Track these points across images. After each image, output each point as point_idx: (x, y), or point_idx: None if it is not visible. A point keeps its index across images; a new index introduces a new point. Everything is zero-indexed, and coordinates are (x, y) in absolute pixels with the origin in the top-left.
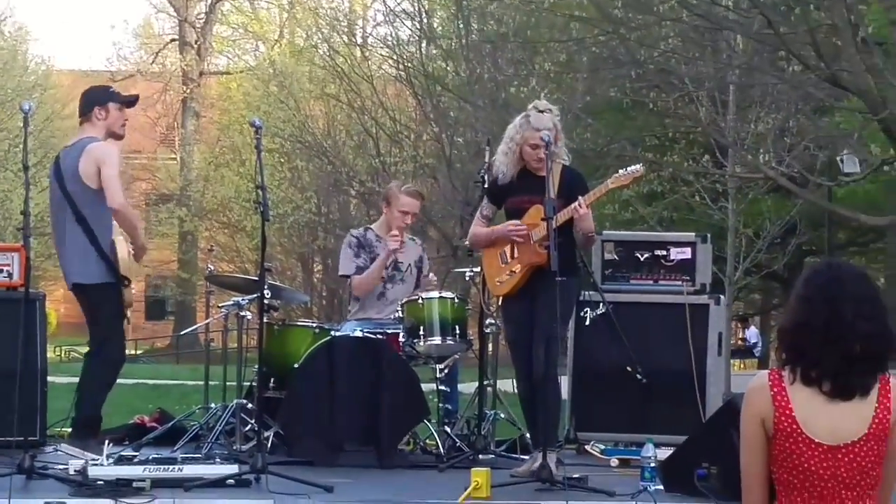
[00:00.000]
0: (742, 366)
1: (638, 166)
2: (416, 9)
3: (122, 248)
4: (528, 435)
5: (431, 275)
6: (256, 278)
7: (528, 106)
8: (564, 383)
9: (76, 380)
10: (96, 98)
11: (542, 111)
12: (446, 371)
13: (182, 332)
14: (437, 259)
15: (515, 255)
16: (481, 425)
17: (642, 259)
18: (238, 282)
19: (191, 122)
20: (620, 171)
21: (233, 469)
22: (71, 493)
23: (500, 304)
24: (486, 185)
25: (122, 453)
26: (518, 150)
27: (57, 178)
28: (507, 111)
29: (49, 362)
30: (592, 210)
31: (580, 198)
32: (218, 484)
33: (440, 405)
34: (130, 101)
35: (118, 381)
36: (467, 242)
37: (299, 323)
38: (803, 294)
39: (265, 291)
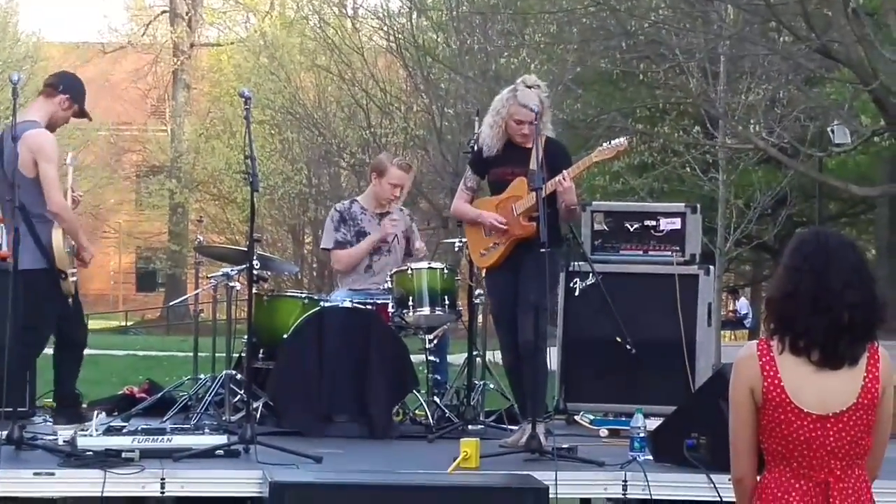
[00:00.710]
0: (733, 337)
1: (622, 140)
2: None
3: (58, 240)
4: (516, 406)
5: (419, 243)
6: (246, 249)
7: (517, 79)
8: (554, 354)
9: None
10: (74, 90)
11: (529, 86)
12: (436, 341)
13: (171, 304)
14: (426, 230)
15: None
16: (470, 396)
17: (632, 229)
18: (227, 252)
19: (181, 93)
20: (605, 144)
21: (222, 440)
22: (60, 464)
23: (483, 275)
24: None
25: (112, 424)
26: (503, 124)
27: None
28: (497, 82)
29: None
30: (581, 181)
31: (564, 171)
32: (207, 454)
33: (429, 376)
34: (85, 117)
35: (109, 351)
36: (450, 213)
37: (288, 293)
38: (791, 263)
39: (254, 262)
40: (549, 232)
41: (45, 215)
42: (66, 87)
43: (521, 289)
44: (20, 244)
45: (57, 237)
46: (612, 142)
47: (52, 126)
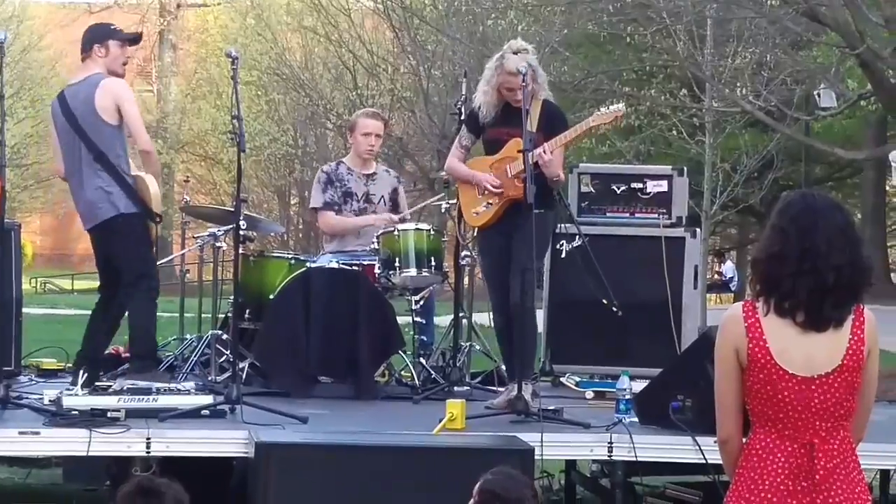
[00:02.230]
0: (718, 300)
1: (620, 105)
2: None
3: (154, 184)
4: (503, 367)
5: (405, 209)
6: (232, 209)
7: (505, 41)
8: (540, 316)
9: (52, 311)
10: (96, 36)
11: (516, 52)
12: (422, 303)
13: (157, 264)
14: (413, 192)
15: None
16: (456, 357)
17: (619, 192)
18: (213, 212)
19: (168, 54)
20: (602, 109)
21: (208, 400)
22: (46, 423)
23: (475, 235)
24: (463, 117)
25: (97, 383)
26: (495, 93)
27: (67, 116)
28: (484, 44)
29: (24, 294)
30: (571, 145)
31: (545, 144)
32: (192, 414)
33: (415, 337)
34: (132, 39)
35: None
36: (444, 172)
37: (275, 254)
38: (777, 224)
39: (241, 222)
40: (542, 193)
41: (126, 162)
42: (90, 40)
43: (515, 251)
44: (106, 197)
45: (153, 181)
46: (610, 107)
47: (113, 76)
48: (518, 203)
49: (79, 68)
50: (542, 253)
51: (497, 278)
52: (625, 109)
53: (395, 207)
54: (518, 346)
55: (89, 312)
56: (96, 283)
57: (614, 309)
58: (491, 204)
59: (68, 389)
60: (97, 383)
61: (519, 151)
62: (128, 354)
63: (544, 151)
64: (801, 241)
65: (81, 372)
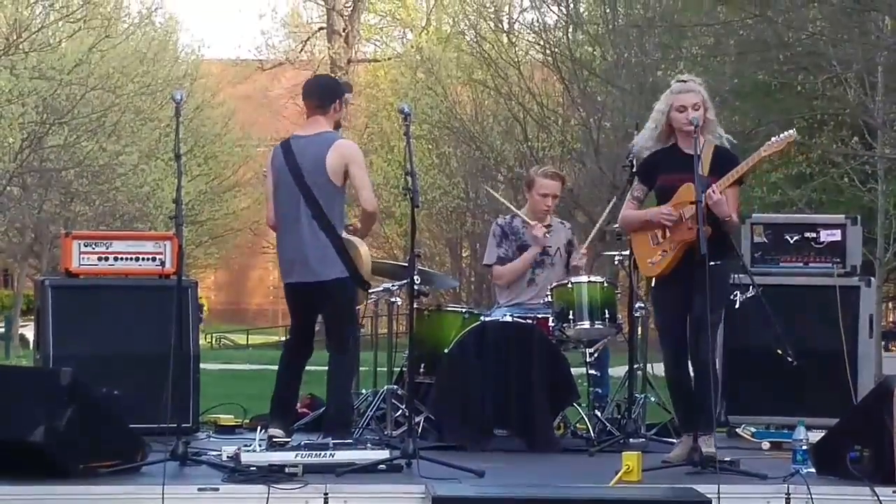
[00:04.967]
0: (892, 348)
1: (791, 132)
2: None
3: (366, 250)
4: (676, 418)
5: (581, 253)
6: (406, 264)
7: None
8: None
9: (228, 367)
10: (334, 91)
11: (685, 80)
12: (596, 355)
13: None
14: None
15: (667, 234)
16: (632, 409)
17: (792, 241)
18: (387, 267)
19: None
20: (773, 139)
21: (384, 454)
22: (224, 479)
23: (651, 286)
24: (634, 169)
25: (275, 439)
26: (666, 120)
27: (292, 168)
28: (654, 95)
29: (200, 349)
30: (743, 186)
31: (713, 185)
32: (369, 469)
33: (590, 389)
34: (351, 89)
35: (271, 366)
36: (617, 226)
37: (449, 308)
38: None
39: (415, 277)
40: (717, 243)
41: (342, 224)
42: (330, 95)
43: (695, 305)
44: (322, 257)
45: (365, 248)
46: (781, 135)
47: (336, 128)
48: (693, 250)
49: (306, 121)
50: (719, 306)
51: (671, 332)
52: (795, 134)
53: (569, 259)
54: (697, 399)
55: (264, 367)
56: (271, 338)
57: (790, 359)
58: (666, 252)
59: (247, 445)
60: (275, 439)
61: (692, 203)
62: (304, 410)
63: (713, 191)
64: None
65: (259, 429)
